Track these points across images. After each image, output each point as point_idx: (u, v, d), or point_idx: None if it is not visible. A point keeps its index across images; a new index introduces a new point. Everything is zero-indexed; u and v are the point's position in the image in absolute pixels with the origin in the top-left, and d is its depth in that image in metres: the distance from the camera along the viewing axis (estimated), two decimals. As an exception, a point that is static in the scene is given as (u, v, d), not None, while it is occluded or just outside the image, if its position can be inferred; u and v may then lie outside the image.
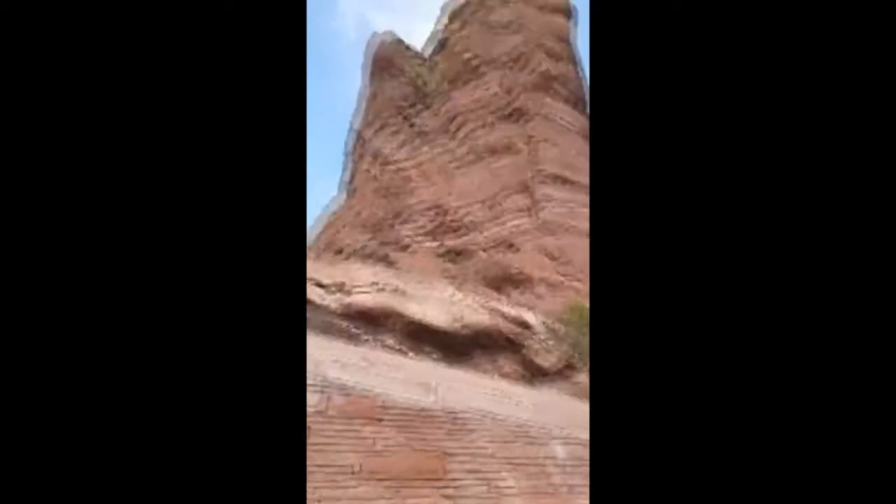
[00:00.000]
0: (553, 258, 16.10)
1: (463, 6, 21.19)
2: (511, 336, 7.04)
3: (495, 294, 8.31)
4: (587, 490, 2.61)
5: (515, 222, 17.36)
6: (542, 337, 7.11)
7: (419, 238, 18.36)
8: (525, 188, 17.69)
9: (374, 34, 22.83)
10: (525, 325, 7.23)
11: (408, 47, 22.29)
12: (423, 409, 2.49)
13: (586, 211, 17.30)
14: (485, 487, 2.40)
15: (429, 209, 18.78)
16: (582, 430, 3.13)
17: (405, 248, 18.11)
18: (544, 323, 7.25)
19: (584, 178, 18.03)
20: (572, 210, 17.00)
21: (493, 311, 7.10)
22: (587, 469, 2.85)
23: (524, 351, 7.01)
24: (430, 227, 18.61)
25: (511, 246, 16.99)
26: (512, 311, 7.28)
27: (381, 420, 2.36)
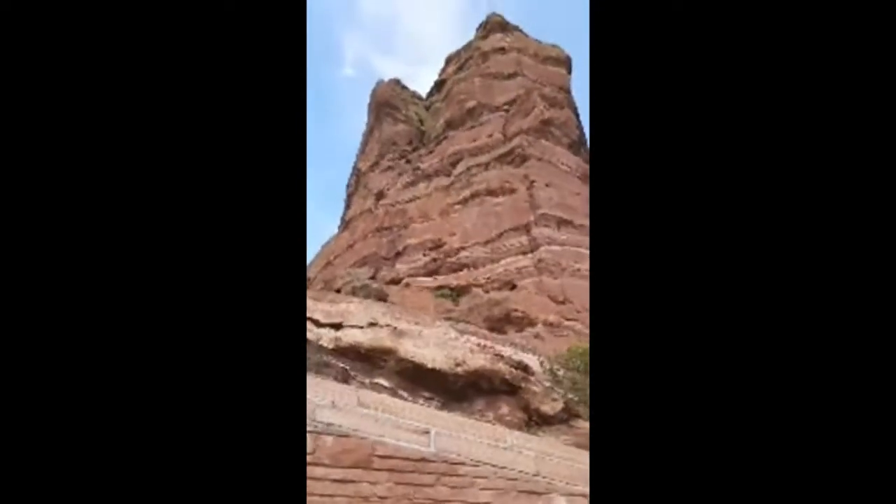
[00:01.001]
0: (553, 298, 15.98)
1: (462, 55, 22.12)
2: (511, 380, 6.82)
3: (495, 335, 8.13)
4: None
5: (514, 262, 17.38)
6: (544, 381, 6.90)
7: (416, 275, 18.29)
8: (523, 228, 17.82)
9: (380, 81, 23.68)
10: (525, 369, 7.03)
11: (407, 90, 23.08)
12: (418, 457, 2.34)
13: (584, 252, 17.35)
14: (484, 545, 2.21)
15: (426, 246, 18.82)
16: (586, 484, 2.95)
17: (402, 284, 17.99)
18: (545, 366, 7.05)
19: (583, 220, 18.21)
20: (570, 251, 17.06)
21: (492, 353, 6.92)
22: (594, 526, 2.66)
23: (524, 395, 6.77)
24: (427, 264, 18.60)
25: (510, 285, 16.92)
26: (512, 354, 7.10)
27: (374, 467, 2.20)
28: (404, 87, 23.53)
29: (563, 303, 16.10)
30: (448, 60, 23.22)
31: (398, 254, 19.53)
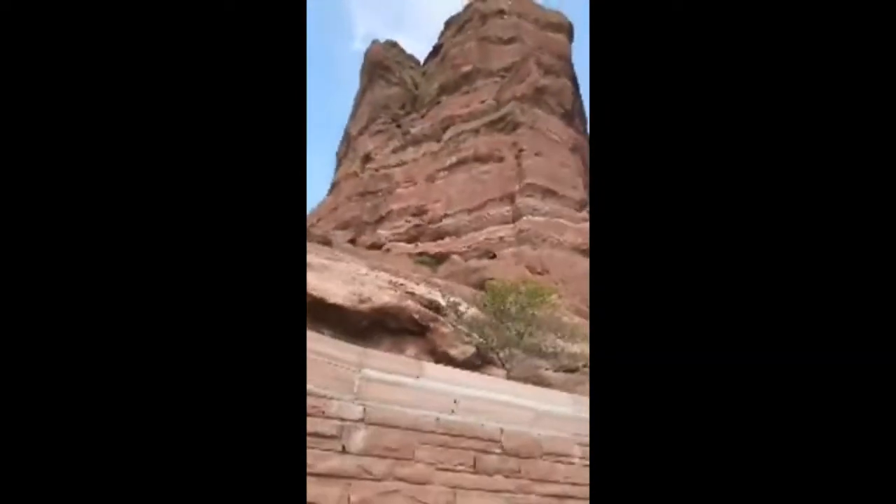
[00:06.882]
0: (531, 268, 15.46)
1: (462, 17, 21.29)
2: (419, 319, 6.43)
3: (414, 275, 7.71)
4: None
5: (496, 231, 16.85)
6: (453, 322, 6.48)
7: (397, 241, 17.92)
8: (508, 197, 17.20)
9: (374, 41, 23.06)
10: (437, 309, 6.62)
11: (403, 52, 22.43)
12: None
13: (566, 223, 16.71)
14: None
15: (409, 212, 18.38)
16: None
17: (382, 249, 17.67)
18: (454, 305, 6.62)
19: (569, 191, 17.48)
20: (553, 222, 16.42)
21: (402, 290, 6.52)
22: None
23: (433, 337, 6.38)
24: (409, 230, 18.19)
25: (490, 254, 16.43)
26: (425, 293, 6.69)
27: None
28: (400, 50, 22.89)
29: (540, 273, 15.57)
30: (447, 24, 22.46)
31: (381, 218, 19.24)
